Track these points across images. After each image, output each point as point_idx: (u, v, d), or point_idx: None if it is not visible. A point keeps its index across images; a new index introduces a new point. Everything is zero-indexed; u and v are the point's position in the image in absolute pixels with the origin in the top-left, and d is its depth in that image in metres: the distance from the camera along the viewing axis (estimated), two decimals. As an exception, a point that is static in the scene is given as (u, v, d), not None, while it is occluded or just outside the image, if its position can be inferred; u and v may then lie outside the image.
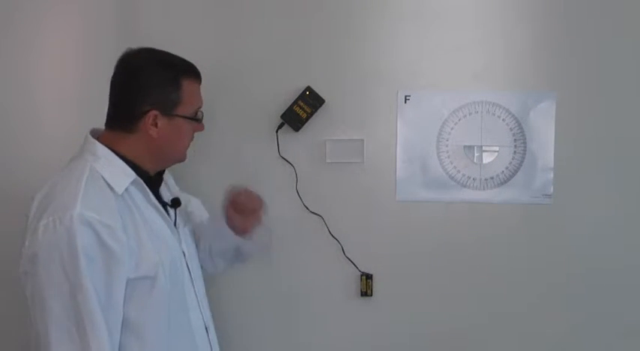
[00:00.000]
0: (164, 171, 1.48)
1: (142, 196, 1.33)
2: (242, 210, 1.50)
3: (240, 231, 1.53)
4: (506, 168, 1.75)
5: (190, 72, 1.39)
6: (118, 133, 1.33)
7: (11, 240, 1.74)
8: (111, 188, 1.27)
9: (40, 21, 1.76)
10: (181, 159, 1.44)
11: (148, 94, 1.32)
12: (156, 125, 1.32)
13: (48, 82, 1.78)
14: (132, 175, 1.31)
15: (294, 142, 1.76)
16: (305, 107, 1.72)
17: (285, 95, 1.73)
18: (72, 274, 1.17)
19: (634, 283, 1.75)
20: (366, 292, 1.77)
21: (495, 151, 1.75)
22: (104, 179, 1.27)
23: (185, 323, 1.39)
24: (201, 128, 1.44)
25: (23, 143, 1.79)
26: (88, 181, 1.24)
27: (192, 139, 1.44)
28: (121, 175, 1.30)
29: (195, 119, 1.40)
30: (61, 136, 1.75)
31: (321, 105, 1.72)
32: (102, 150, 1.31)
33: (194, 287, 1.43)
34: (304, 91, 1.72)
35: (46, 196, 1.25)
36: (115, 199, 1.26)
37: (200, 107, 1.42)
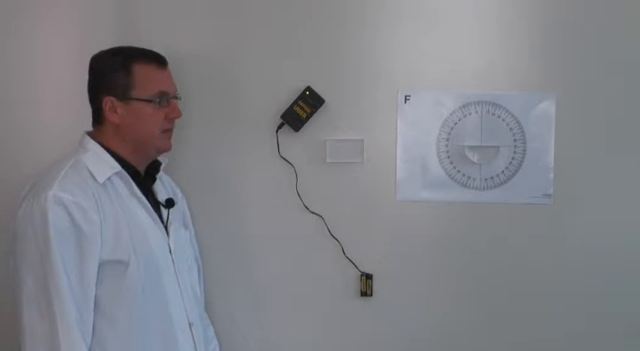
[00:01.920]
0: (158, 171, 1.52)
1: (125, 188, 1.40)
2: None
3: None
4: (506, 168, 1.75)
5: (142, 56, 1.44)
6: (97, 127, 1.43)
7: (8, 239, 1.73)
8: (93, 177, 1.34)
9: (40, 21, 1.76)
10: (159, 146, 1.47)
11: (102, 82, 1.41)
12: (116, 111, 1.40)
13: (47, 83, 1.77)
14: (116, 167, 1.38)
15: (294, 142, 1.75)
16: (305, 107, 1.72)
17: (285, 95, 1.73)
18: (44, 250, 1.24)
19: (634, 284, 1.75)
20: (366, 292, 1.77)
21: (495, 151, 1.75)
22: (88, 169, 1.35)
23: (164, 316, 1.42)
24: (174, 113, 1.47)
25: (23, 143, 1.79)
26: (70, 168, 1.33)
27: (169, 124, 1.47)
28: (104, 166, 1.38)
29: (151, 101, 1.42)
30: (60, 136, 1.75)
31: (321, 105, 1.72)
32: (92, 144, 1.40)
33: (179, 282, 1.46)
34: (304, 91, 1.71)
35: (31, 184, 1.34)
36: (95, 187, 1.33)
37: (163, 90, 1.45)
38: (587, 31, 1.71)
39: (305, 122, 1.72)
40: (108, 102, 1.40)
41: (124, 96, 1.40)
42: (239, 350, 1.80)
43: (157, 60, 1.45)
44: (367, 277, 1.77)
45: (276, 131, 1.74)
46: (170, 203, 1.50)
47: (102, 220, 1.31)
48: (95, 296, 1.30)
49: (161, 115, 1.44)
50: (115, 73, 1.40)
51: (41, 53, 1.77)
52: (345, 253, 1.77)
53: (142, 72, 1.42)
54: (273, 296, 1.80)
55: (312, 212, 1.76)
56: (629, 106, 1.72)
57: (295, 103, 1.71)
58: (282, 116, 1.72)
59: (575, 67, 1.72)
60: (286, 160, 1.76)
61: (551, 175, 1.74)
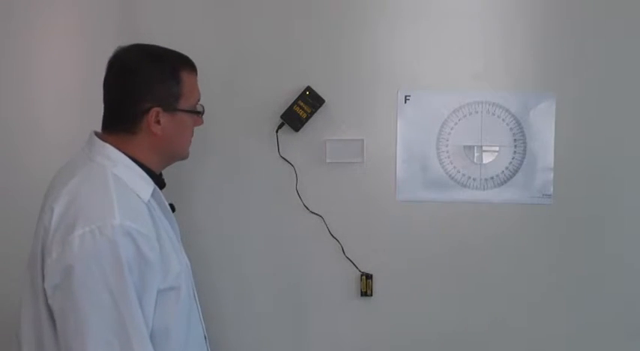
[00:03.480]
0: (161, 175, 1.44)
1: (157, 204, 1.30)
2: None
3: None
4: (506, 168, 1.75)
5: (187, 64, 1.34)
6: (121, 135, 1.28)
7: (11, 240, 1.75)
8: (137, 196, 1.23)
9: (40, 21, 1.76)
10: (184, 156, 1.40)
11: (148, 91, 1.27)
12: (159, 122, 1.28)
13: (47, 83, 1.78)
14: (150, 182, 1.28)
15: (294, 142, 1.76)
16: (305, 107, 1.72)
17: (285, 95, 1.73)
18: (115, 286, 1.12)
19: (634, 284, 1.75)
20: (366, 292, 1.77)
21: (495, 151, 1.75)
22: (128, 186, 1.23)
23: (199, 333, 1.37)
24: (201, 122, 1.40)
25: (22, 144, 1.79)
26: (117, 189, 1.20)
27: (192, 134, 1.41)
28: (141, 182, 1.27)
29: (196, 112, 1.36)
30: (60, 137, 1.75)
31: (321, 105, 1.72)
32: (116, 154, 1.26)
33: (195, 295, 1.40)
34: (304, 91, 1.71)
35: (71, 205, 1.17)
36: (144, 207, 1.23)
37: (199, 99, 1.39)
38: (587, 31, 1.71)
39: (305, 122, 1.72)
40: (154, 113, 1.26)
41: (172, 107, 1.29)
42: (239, 350, 1.80)
43: (195, 67, 1.36)
44: (367, 277, 1.77)
45: (276, 131, 1.74)
46: (173, 208, 1.42)
47: (159, 245, 1.20)
48: (152, 328, 1.20)
49: (193, 124, 1.37)
50: (165, 82, 1.28)
51: (41, 53, 1.77)
52: (345, 253, 1.77)
53: (188, 81, 1.32)
54: (273, 296, 1.80)
55: (312, 212, 1.76)
56: (629, 106, 1.72)
57: (295, 103, 1.71)
58: (282, 116, 1.72)
59: (575, 67, 1.72)
60: (286, 160, 1.76)
61: (551, 175, 1.74)
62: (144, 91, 1.27)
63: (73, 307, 1.12)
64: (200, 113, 1.38)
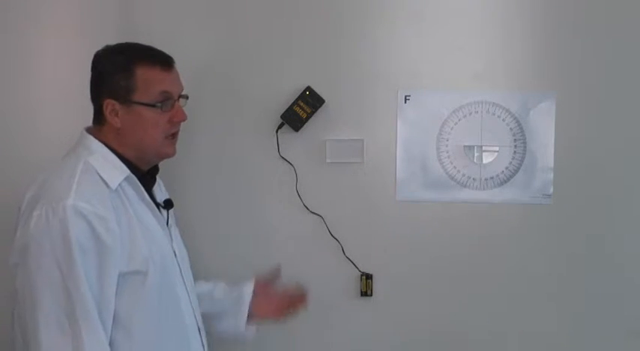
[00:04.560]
0: (157, 172, 1.46)
1: (134, 192, 1.33)
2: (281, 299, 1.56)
3: (257, 314, 1.57)
4: (506, 168, 1.75)
5: (146, 57, 1.35)
6: (97, 127, 1.36)
7: (11, 241, 1.74)
8: (105, 183, 1.27)
9: (40, 20, 1.76)
10: (162, 152, 1.39)
11: (103, 83, 1.34)
12: (117, 115, 1.32)
13: (46, 82, 1.78)
14: (125, 171, 1.31)
15: (294, 142, 1.76)
16: (305, 107, 1.72)
17: (285, 95, 1.73)
18: (64, 265, 1.17)
19: (634, 284, 1.75)
20: (366, 292, 1.77)
21: (495, 151, 1.75)
22: (98, 173, 1.27)
23: (178, 323, 1.38)
24: (179, 116, 1.38)
25: (21, 143, 1.79)
26: (82, 174, 1.25)
27: (173, 128, 1.38)
28: (114, 170, 1.30)
29: (153, 105, 1.33)
30: (59, 136, 1.74)
31: (321, 105, 1.72)
32: (96, 145, 1.32)
33: (186, 288, 1.42)
34: (304, 91, 1.71)
35: (39, 188, 1.25)
36: (108, 193, 1.26)
37: (166, 91, 1.35)
38: (587, 31, 1.71)
39: (305, 122, 1.72)
40: (109, 105, 1.32)
41: (126, 99, 1.32)
42: (238, 350, 1.79)
43: (162, 61, 1.36)
44: (367, 277, 1.77)
45: (276, 131, 1.74)
46: (169, 204, 1.44)
47: (120, 230, 1.24)
48: (114, 310, 1.23)
49: (164, 119, 1.35)
50: (116, 75, 1.32)
51: (40, 53, 1.77)
52: (345, 253, 1.77)
53: (144, 74, 1.33)
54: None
55: (312, 212, 1.76)
56: (629, 105, 1.72)
57: (295, 103, 1.71)
58: (282, 116, 1.72)
59: (575, 67, 1.72)
60: (286, 160, 1.76)
61: (551, 175, 1.74)
62: (101, 83, 1.35)
63: (27, 283, 1.18)
64: (157, 107, 1.34)
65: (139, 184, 1.34)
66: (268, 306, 1.57)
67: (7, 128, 1.79)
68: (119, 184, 1.29)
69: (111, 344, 1.22)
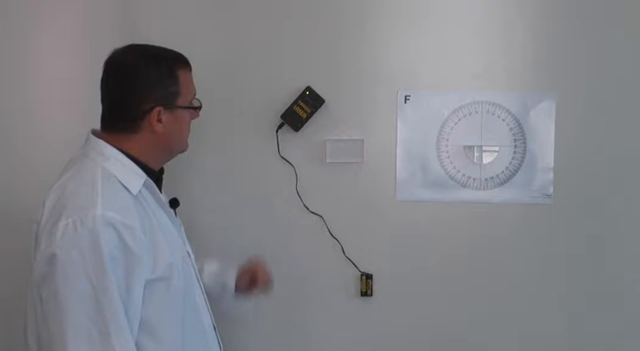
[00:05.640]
0: (163, 172, 1.45)
1: (151, 196, 1.31)
2: (253, 279, 1.58)
3: (241, 291, 1.60)
4: (506, 168, 1.75)
5: (182, 61, 1.37)
6: (120, 134, 1.30)
7: (11, 240, 1.74)
8: (126, 189, 1.24)
9: (39, 20, 1.76)
10: (185, 149, 1.43)
11: (148, 91, 1.29)
12: (160, 121, 1.30)
13: (47, 82, 1.78)
14: (143, 175, 1.29)
15: (294, 142, 1.76)
16: (305, 107, 1.72)
17: (285, 95, 1.73)
18: (95, 276, 1.13)
19: (634, 284, 1.75)
20: (366, 292, 1.77)
21: (495, 151, 1.75)
22: (117, 179, 1.24)
23: (198, 323, 1.38)
24: (198, 115, 1.43)
25: (21, 143, 1.79)
26: (104, 182, 1.22)
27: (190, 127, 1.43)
28: (133, 175, 1.28)
29: (194, 107, 1.39)
30: (59, 136, 1.75)
31: (321, 105, 1.72)
32: (109, 150, 1.28)
33: (200, 287, 1.42)
34: (304, 91, 1.72)
35: (60, 198, 1.21)
36: (132, 200, 1.24)
37: (195, 94, 1.40)
38: (587, 31, 1.71)
39: (305, 122, 1.72)
40: (156, 112, 1.29)
41: (172, 105, 1.31)
42: (239, 350, 1.80)
43: (189, 63, 1.38)
44: (367, 277, 1.77)
45: (276, 131, 1.74)
46: (176, 203, 1.43)
47: (145, 237, 1.21)
48: (142, 317, 1.20)
49: (190, 118, 1.40)
50: (164, 81, 1.30)
51: (40, 53, 1.77)
52: (345, 253, 1.77)
53: (183, 78, 1.34)
54: (272, 296, 1.80)
55: (312, 212, 1.76)
56: (629, 105, 1.72)
57: (295, 103, 1.71)
58: (282, 116, 1.72)
59: (575, 67, 1.72)
60: (286, 160, 1.76)
61: (551, 175, 1.74)
62: (145, 91, 1.29)
63: (54, 295, 1.14)
64: (198, 108, 1.41)
65: (155, 187, 1.32)
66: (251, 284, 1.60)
67: (7, 128, 1.79)
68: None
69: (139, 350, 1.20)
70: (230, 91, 1.76)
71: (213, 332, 1.43)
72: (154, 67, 1.31)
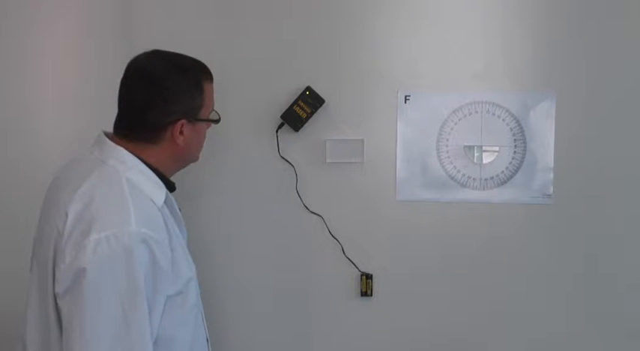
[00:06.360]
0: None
1: (168, 209, 1.28)
2: None
3: None
4: (506, 168, 1.75)
5: (208, 73, 1.34)
6: (139, 143, 1.26)
7: (11, 241, 1.74)
8: (152, 201, 1.21)
9: (39, 20, 1.76)
10: (197, 160, 1.41)
11: (175, 103, 1.26)
12: (182, 133, 1.27)
13: (47, 82, 1.78)
14: (163, 187, 1.27)
15: (294, 142, 1.76)
16: (305, 107, 1.72)
17: (285, 95, 1.73)
18: (127, 298, 1.10)
19: (634, 284, 1.75)
20: (366, 292, 1.77)
21: (495, 151, 1.75)
22: (143, 191, 1.21)
23: (202, 337, 1.36)
24: (209, 126, 1.41)
25: (22, 143, 1.79)
26: (133, 194, 1.17)
27: None
28: (155, 186, 1.25)
29: (214, 120, 1.36)
30: (58, 136, 1.75)
31: (321, 105, 1.72)
32: (131, 158, 1.24)
33: (199, 300, 1.39)
34: (304, 91, 1.72)
35: (87, 209, 1.14)
36: (159, 213, 1.21)
37: (214, 106, 1.39)
38: (587, 31, 1.71)
39: (305, 122, 1.72)
40: (180, 125, 1.26)
41: (195, 117, 1.29)
42: (239, 350, 1.80)
43: (212, 75, 1.35)
44: (367, 277, 1.77)
45: (276, 131, 1.74)
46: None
47: (170, 251, 1.18)
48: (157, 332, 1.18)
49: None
50: (191, 94, 1.27)
51: (40, 53, 1.77)
52: (345, 253, 1.77)
53: (208, 91, 1.31)
54: (272, 296, 1.80)
55: (312, 212, 1.76)
56: (629, 105, 1.72)
57: (295, 103, 1.71)
58: (282, 116, 1.72)
59: (575, 67, 1.72)
60: (286, 160, 1.76)
61: (551, 175, 1.74)
62: (172, 103, 1.26)
63: (80, 310, 1.10)
64: (217, 121, 1.37)
65: (172, 198, 1.30)
66: None
67: (7, 128, 1.79)
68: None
69: None
70: (230, 91, 1.75)
71: (206, 345, 1.40)
72: (183, 78, 1.27)
